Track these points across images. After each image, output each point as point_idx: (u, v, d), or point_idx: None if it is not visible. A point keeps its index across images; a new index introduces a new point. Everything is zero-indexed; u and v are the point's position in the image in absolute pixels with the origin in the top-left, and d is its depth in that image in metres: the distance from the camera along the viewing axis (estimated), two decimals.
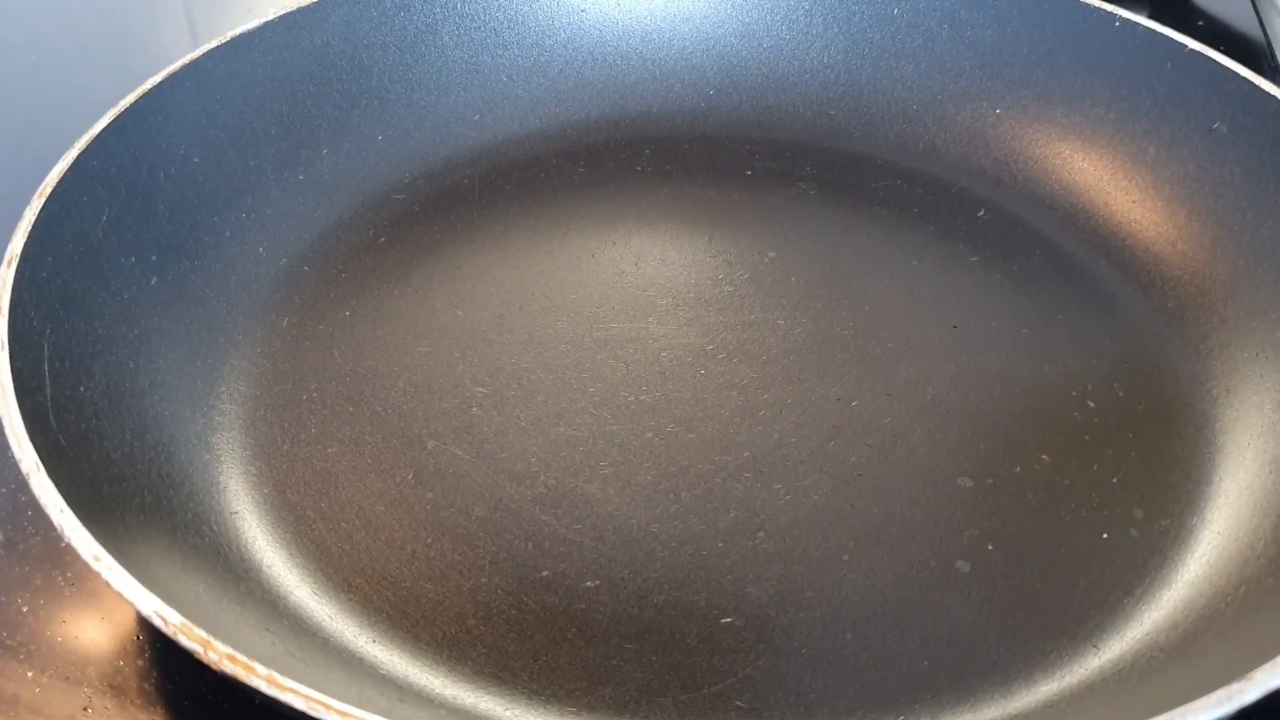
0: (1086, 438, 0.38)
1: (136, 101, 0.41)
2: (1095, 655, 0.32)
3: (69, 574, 0.36)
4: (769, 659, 0.32)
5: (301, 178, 0.46)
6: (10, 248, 0.35)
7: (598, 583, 0.34)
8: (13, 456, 0.30)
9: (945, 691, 0.32)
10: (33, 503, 0.30)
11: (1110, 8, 0.46)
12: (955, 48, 0.49)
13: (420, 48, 0.49)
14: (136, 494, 0.34)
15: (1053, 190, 0.46)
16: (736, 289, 0.44)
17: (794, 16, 0.51)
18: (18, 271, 0.35)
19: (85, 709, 0.33)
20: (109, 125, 0.40)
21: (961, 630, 0.33)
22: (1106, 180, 0.46)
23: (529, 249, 0.44)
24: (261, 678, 0.26)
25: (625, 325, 0.42)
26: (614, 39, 0.51)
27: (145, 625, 0.34)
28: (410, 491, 0.37)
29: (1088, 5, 0.47)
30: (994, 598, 0.34)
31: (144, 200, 0.41)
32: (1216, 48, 0.44)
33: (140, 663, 0.34)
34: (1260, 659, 0.27)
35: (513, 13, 0.50)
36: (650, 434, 0.38)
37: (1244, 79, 0.42)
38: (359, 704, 0.26)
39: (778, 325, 0.42)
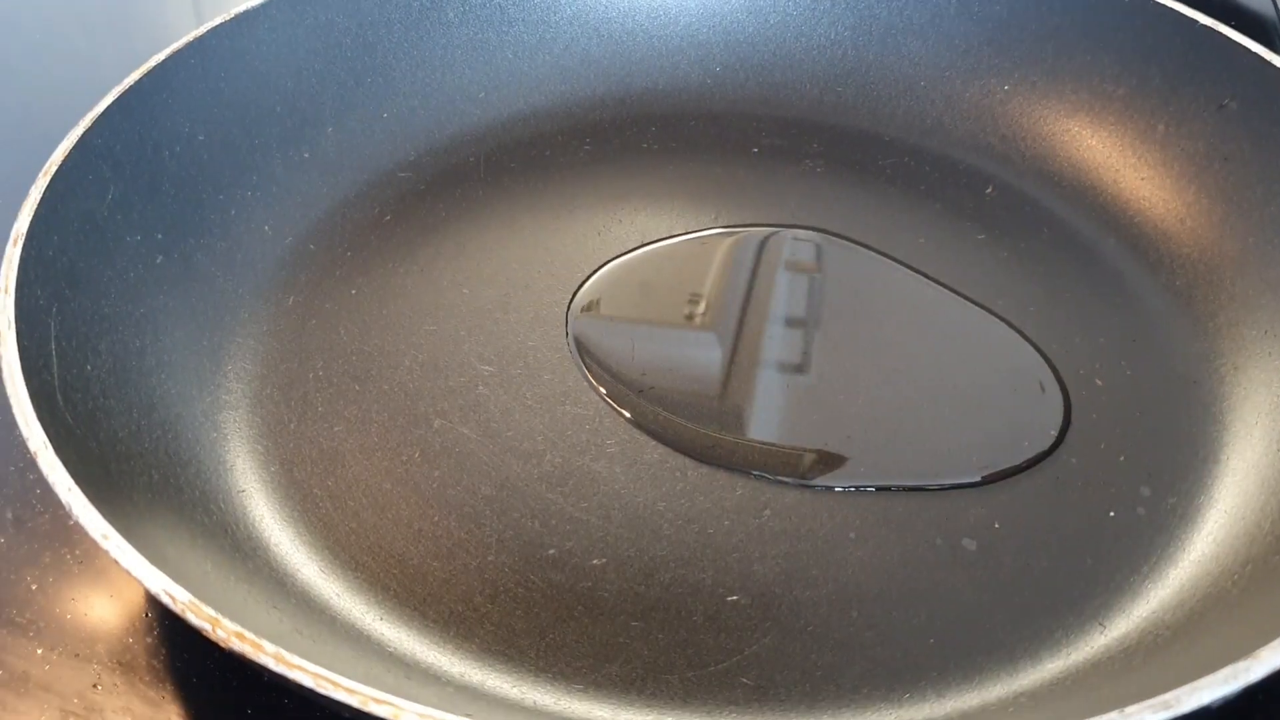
0: (1094, 415, 0.38)
1: (141, 79, 0.41)
2: (1102, 633, 0.32)
3: (77, 552, 0.36)
4: (775, 636, 0.32)
5: (307, 155, 0.46)
6: (16, 227, 0.35)
7: (604, 560, 0.34)
8: (20, 435, 0.30)
9: (951, 669, 0.32)
10: (41, 481, 0.30)
11: None
12: (963, 23, 0.48)
13: (425, 24, 0.49)
14: (144, 472, 0.34)
15: (1061, 167, 0.46)
16: None
17: None
18: (24, 250, 0.35)
19: (94, 686, 0.33)
20: (114, 103, 0.40)
21: (968, 608, 0.33)
22: (1115, 157, 0.45)
23: (535, 227, 0.44)
24: (269, 655, 0.26)
25: None
26: (619, 15, 0.51)
27: (154, 603, 0.34)
28: (417, 470, 0.37)
29: None
30: (1000, 576, 0.34)
31: (149, 179, 0.41)
32: (1227, 23, 0.43)
33: (149, 640, 0.34)
34: (1267, 637, 0.27)
35: None
36: (656, 411, 0.38)
37: (1255, 55, 0.42)
38: (366, 681, 0.26)
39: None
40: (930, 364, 0.40)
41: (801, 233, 0.44)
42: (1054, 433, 0.37)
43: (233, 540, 0.34)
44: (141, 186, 0.40)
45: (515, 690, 0.31)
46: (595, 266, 0.43)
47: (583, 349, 0.40)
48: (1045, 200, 0.45)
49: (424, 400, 0.39)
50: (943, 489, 0.36)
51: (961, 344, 0.40)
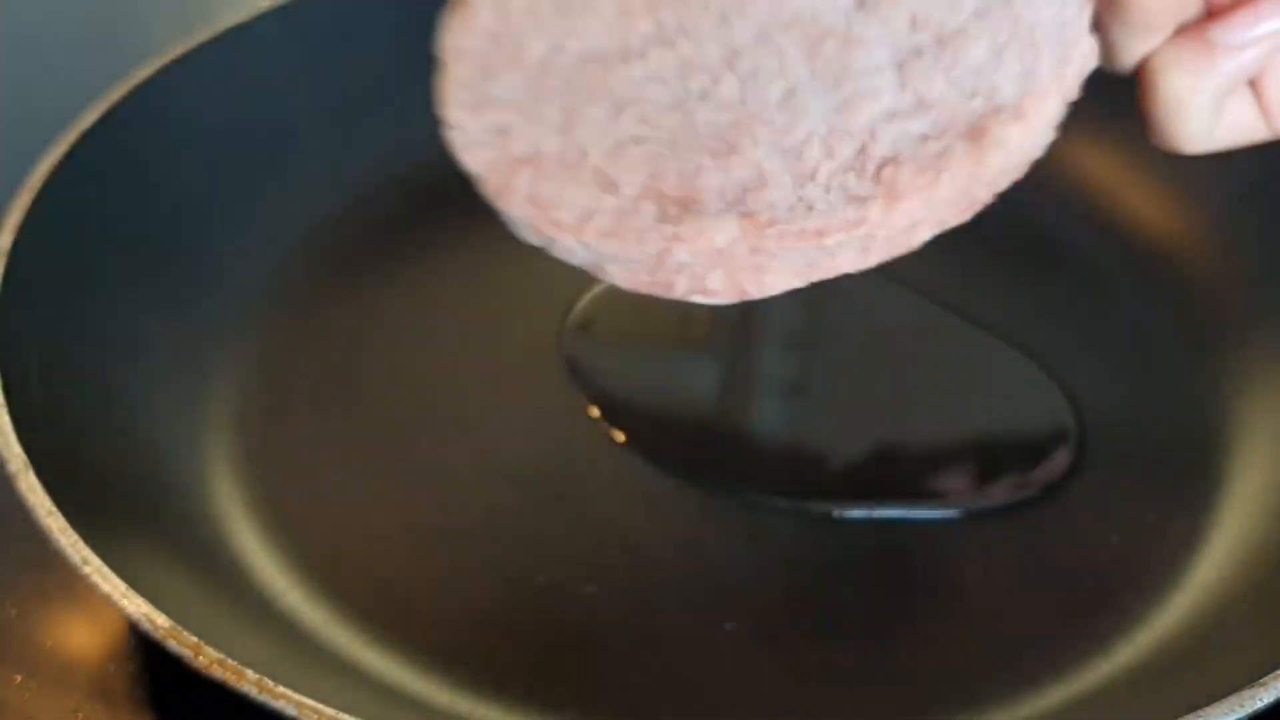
0: (1097, 439, 0.38)
1: (126, 95, 0.41)
2: (1104, 660, 0.32)
3: (57, 577, 0.36)
4: (772, 664, 0.32)
5: (292, 177, 0.46)
6: None
7: (596, 588, 0.34)
8: (1, 458, 0.30)
9: (952, 697, 0.31)
10: (20, 505, 0.30)
11: None
12: None
13: (414, 45, 0.49)
14: (126, 497, 0.34)
15: (1061, 186, 0.46)
16: None
17: None
18: (5, 270, 0.34)
19: (75, 713, 0.32)
20: (98, 120, 0.39)
21: (969, 634, 0.33)
22: (1116, 176, 0.45)
23: (525, 248, 0.44)
24: (252, 683, 0.26)
25: None
26: None
27: (134, 630, 0.34)
28: (403, 496, 0.36)
29: None
30: (1002, 602, 0.34)
31: (133, 197, 0.40)
32: None
33: (130, 667, 0.33)
34: (1274, 664, 0.26)
35: None
36: None
37: None
38: (351, 710, 0.25)
39: None
40: (931, 387, 0.40)
41: None
42: (1059, 457, 0.37)
43: (215, 566, 0.34)
44: (125, 205, 0.40)
45: None
46: (588, 287, 0.43)
47: (576, 371, 0.40)
48: (1045, 220, 0.45)
49: (411, 424, 0.39)
50: (945, 514, 0.36)
51: (963, 367, 0.40)
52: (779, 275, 0.31)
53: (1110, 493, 0.36)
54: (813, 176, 0.30)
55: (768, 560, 0.35)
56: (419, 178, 0.47)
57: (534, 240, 0.33)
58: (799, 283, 0.31)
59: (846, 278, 0.34)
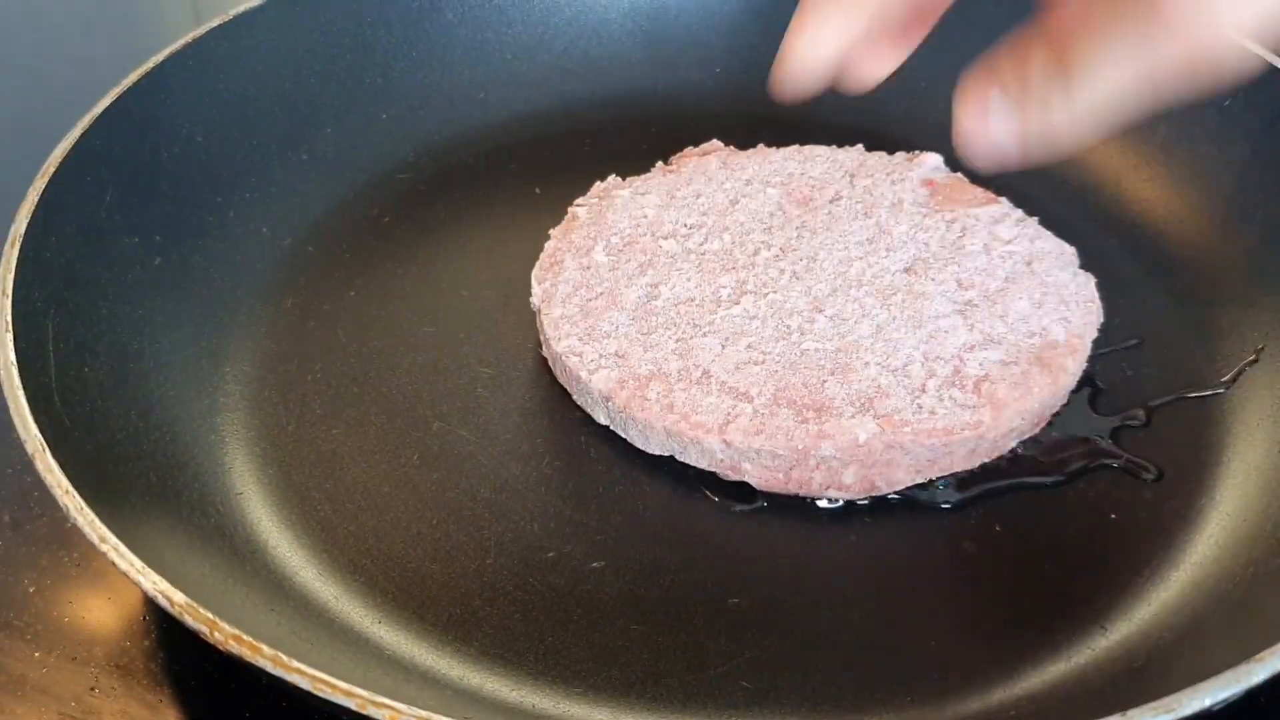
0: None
1: (139, 80, 0.41)
2: (1103, 636, 0.32)
3: (75, 554, 0.36)
4: (775, 640, 0.32)
5: (305, 157, 0.46)
6: (14, 228, 0.35)
7: (604, 563, 0.34)
8: (18, 437, 0.30)
9: (952, 672, 0.32)
10: (38, 483, 0.30)
11: None
12: (966, 26, 0.48)
13: (424, 25, 0.49)
14: (142, 475, 0.34)
15: (1063, 169, 0.46)
16: None
17: None
18: (21, 252, 0.35)
19: (92, 689, 0.33)
20: (111, 105, 0.40)
21: (968, 611, 0.33)
22: (1117, 159, 0.45)
23: (534, 228, 0.44)
24: (267, 658, 0.26)
25: None
26: (619, 15, 0.51)
27: (151, 605, 0.34)
28: (416, 473, 0.37)
29: None
30: (1001, 578, 0.34)
31: (147, 180, 0.41)
32: None
33: (147, 643, 0.34)
34: (1269, 640, 0.27)
35: None
36: None
37: (1255, 55, 0.42)
38: (364, 684, 0.26)
39: None
40: None
41: None
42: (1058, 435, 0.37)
43: (230, 543, 0.34)
44: (139, 188, 0.40)
45: (514, 694, 0.31)
46: None
47: None
48: (1047, 202, 0.45)
49: (423, 403, 0.39)
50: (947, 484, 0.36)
51: None
52: (904, 471, 0.35)
53: (1108, 470, 0.36)
54: (923, 390, 0.35)
55: (769, 539, 0.35)
56: (431, 160, 0.48)
57: (660, 449, 0.36)
58: (920, 478, 0.35)
59: None
